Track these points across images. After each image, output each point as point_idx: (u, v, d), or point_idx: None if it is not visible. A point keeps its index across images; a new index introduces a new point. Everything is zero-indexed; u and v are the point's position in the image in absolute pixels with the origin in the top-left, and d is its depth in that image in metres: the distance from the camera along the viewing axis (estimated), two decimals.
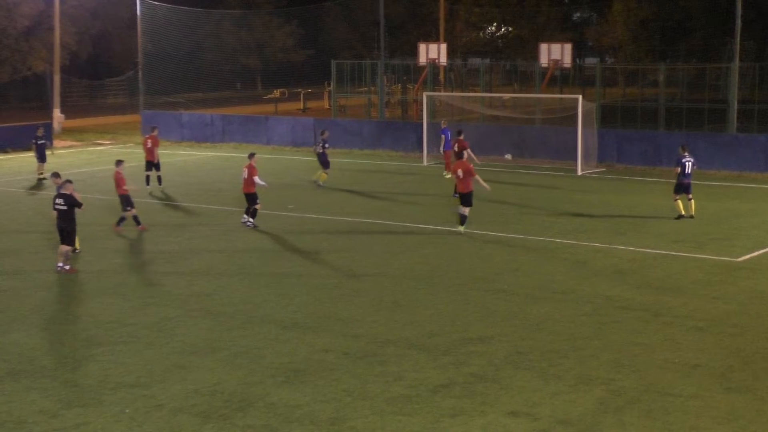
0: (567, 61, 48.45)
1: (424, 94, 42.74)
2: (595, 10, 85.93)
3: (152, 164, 33.19)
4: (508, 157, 34.87)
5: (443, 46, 50.67)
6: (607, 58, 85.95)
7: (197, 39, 72.06)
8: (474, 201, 25.07)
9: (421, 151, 40.05)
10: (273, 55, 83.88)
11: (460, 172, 24.89)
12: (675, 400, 13.60)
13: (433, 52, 49.51)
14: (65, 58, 65.54)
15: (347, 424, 12.88)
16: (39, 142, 36.53)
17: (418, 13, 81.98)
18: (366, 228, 26.29)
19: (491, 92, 58.16)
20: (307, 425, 12.88)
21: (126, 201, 25.64)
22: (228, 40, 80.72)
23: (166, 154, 39.43)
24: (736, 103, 39.93)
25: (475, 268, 21.38)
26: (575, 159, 36.67)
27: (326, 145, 33.71)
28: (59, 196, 21.35)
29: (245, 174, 26.06)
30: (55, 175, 23.41)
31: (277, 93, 69.54)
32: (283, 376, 14.66)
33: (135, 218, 25.72)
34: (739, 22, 39.44)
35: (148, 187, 32.63)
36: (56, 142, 47.15)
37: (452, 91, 55.69)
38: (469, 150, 31.91)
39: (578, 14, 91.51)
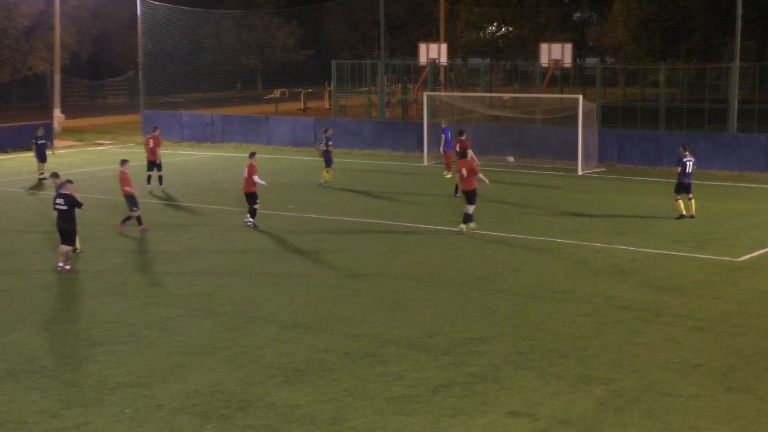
0: (567, 61, 48.47)
1: (425, 94, 42.74)
2: (595, 10, 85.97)
3: (154, 164, 33.21)
4: (511, 159, 34.91)
5: (443, 46, 50.68)
6: (607, 58, 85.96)
7: (198, 39, 72.09)
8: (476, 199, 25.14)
9: (422, 151, 40.05)
10: (273, 55, 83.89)
11: (464, 171, 24.95)
12: (675, 400, 13.60)
13: (433, 52, 49.52)
14: (66, 58, 65.58)
15: (348, 424, 12.89)
16: (39, 142, 36.53)
17: (419, 13, 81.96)
18: (366, 228, 26.29)
19: (491, 92, 58.15)
20: (307, 425, 12.88)
21: (131, 201, 25.68)
22: (228, 40, 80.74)
23: (167, 154, 39.42)
24: (736, 103, 39.92)
25: (476, 268, 21.38)
26: (576, 159, 36.67)
27: (330, 143, 33.76)
28: (59, 195, 21.37)
29: (245, 173, 26.06)
30: (54, 175, 23.46)
31: (277, 93, 69.57)
32: (283, 376, 14.66)
33: (138, 218, 25.75)
34: (739, 22, 39.44)
35: (149, 186, 32.65)
36: (56, 142, 47.15)
37: (452, 91, 55.70)
38: (470, 151, 31.91)
39: (578, 14, 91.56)
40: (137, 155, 37.86)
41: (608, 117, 47.22)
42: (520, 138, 40.95)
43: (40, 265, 22.16)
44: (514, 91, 64.17)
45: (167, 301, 19.07)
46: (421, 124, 40.86)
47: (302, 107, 67.64)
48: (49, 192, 26.41)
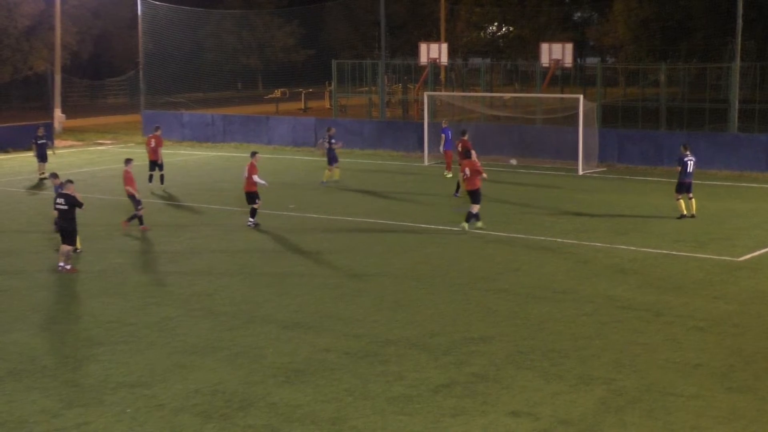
0: (568, 60, 48.46)
1: (425, 94, 42.72)
2: (596, 10, 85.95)
3: (155, 164, 33.24)
4: (514, 162, 34.47)
5: (444, 46, 50.69)
6: (608, 58, 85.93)
7: (198, 39, 72.09)
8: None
9: (422, 150, 40.04)
10: (274, 55, 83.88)
11: (467, 171, 25.00)
12: (676, 399, 13.60)
13: (434, 52, 49.53)
14: (66, 58, 65.58)
15: (348, 424, 12.88)
16: (39, 142, 36.54)
17: (419, 13, 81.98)
18: (367, 228, 26.29)
19: (492, 92, 58.15)
20: (308, 425, 12.88)
21: (134, 200, 25.71)
22: (229, 39, 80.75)
23: (167, 153, 39.38)
24: (737, 102, 39.91)
25: (477, 268, 21.38)
26: (576, 159, 36.66)
27: (333, 141, 33.80)
28: (60, 195, 21.39)
29: (246, 172, 26.07)
30: (54, 175, 23.55)
31: (278, 93, 69.59)
32: (284, 376, 14.66)
33: (139, 218, 25.77)
34: (740, 21, 39.43)
35: (150, 184, 32.66)
36: (57, 142, 47.12)
37: (453, 91, 55.68)
38: (474, 152, 31.92)
39: (579, 14, 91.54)
40: (139, 155, 37.82)
41: (609, 117, 47.20)
42: (521, 138, 40.95)
43: (41, 264, 22.17)
44: (515, 91, 64.15)
45: (168, 300, 19.07)
46: (422, 124, 40.86)
47: (303, 107, 67.64)
48: (50, 192, 26.41)
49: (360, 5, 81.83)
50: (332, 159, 33.79)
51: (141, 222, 25.81)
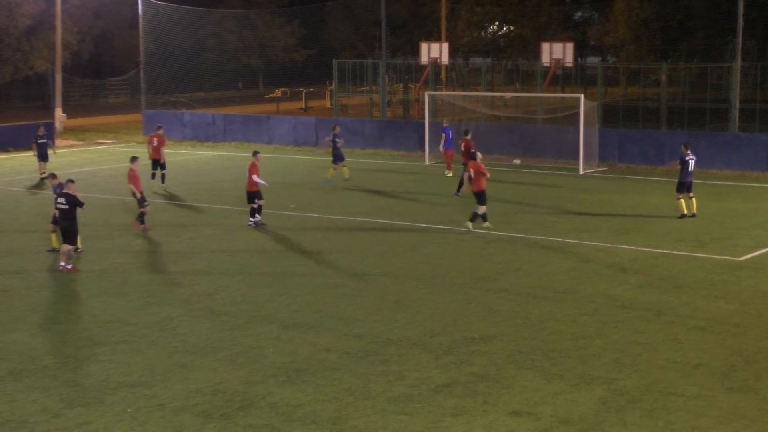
0: (569, 60, 48.45)
1: (426, 94, 42.73)
2: (596, 10, 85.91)
3: (158, 163, 33.28)
4: (517, 161, 34.83)
5: (445, 46, 50.69)
6: (608, 58, 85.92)
7: (199, 38, 72.08)
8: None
9: (423, 150, 40.04)
10: (275, 55, 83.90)
11: (472, 172, 25.09)
12: (677, 399, 13.60)
13: (434, 52, 49.54)
14: (67, 58, 65.60)
15: (349, 424, 12.88)
16: (40, 141, 36.56)
17: (420, 13, 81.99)
18: (368, 227, 26.29)
19: (493, 92, 58.16)
20: (308, 425, 12.88)
21: (139, 198, 25.73)
22: (230, 39, 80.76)
23: (168, 153, 39.37)
24: (738, 102, 39.91)
25: (477, 268, 21.37)
26: (577, 158, 36.65)
27: (337, 140, 33.84)
28: (61, 195, 21.40)
29: (247, 172, 26.07)
30: (52, 176, 23.60)
31: (278, 92, 69.59)
32: (284, 376, 14.66)
33: (141, 217, 25.77)
34: (740, 21, 39.42)
35: (152, 181, 32.69)
36: (58, 142, 47.04)
37: (454, 91, 55.69)
38: (478, 153, 31.96)
39: (580, 14, 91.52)
40: (140, 154, 37.82)
41: (609, 116, 47.19)
42: (522, 137, 40.94)
43: (41, 264, 22.17)
44: (516, 91, 64.15)
45: (168, 300, 19.07)
46: (423, 124, 40.87)
47: (303, 107, 67.65)
48: (51, 192, 26.37)
49: (361, 5, 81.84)
50: (337, 157, 33.82)
51: (142, 222, 25.80)
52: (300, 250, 23.52)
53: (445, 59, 49.92)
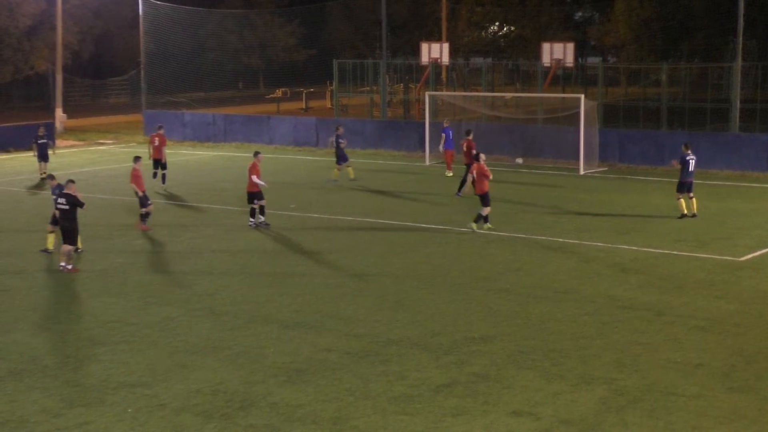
0: (569, 60, 48.38)
1: (427, 94, 42.74)
2: (597, 10, 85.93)
3: (159, 162, 33.29)
4: (520, 161, 34.86)
5: (445, 46, 50.66)
6: (609, 58, 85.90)
7: (199, 38, 72.09)
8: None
9: (424, 150, 40.03)
10: (275, 55, 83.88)
11: (475, 174, 25.16)
12: (677, 399, 13.59)
13: (435, 52, 49.51)
14: (67, 58, 65.61)
15: (349, 424, 12.88)
16: (40, 141, 36.57)
17: (420, 13, 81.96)
18: (368, 227, 26.28)
19: (493, 92, 58.14)
20: (309, 425, 12.88)
21: (142, 198, 25.74)
22: (230, 39, 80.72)
23: (169, 153, 39.37)
24: (738, 102, 39.89)
25: (478, 268, 21.37)
26: (577, 158, 36.64)
27: (341, 140, 33.86)
28: (61, 195, 21.41)
29: (248, 172, 26.07)
30: (51, 177, 23.66)
31: (279, 92, 69.58)
32: (285, 376, 14.66)
33: (142, 216, 25.78)
34: (741, 21, 39.41)
35: (153, 179, 32.69)
36: (58, 142, 47.07)
37: (454, 91, 55.67)
38: (482, 155, 31.98)
39: (580, 14, 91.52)
40: (141, 154, 37.87)
41: (610, 116, 47.18)
42: (522, 137, 40.93)
43: (42, 264, 22.18)
44: (516, 91, 64.12)
45: (169, 300, 19.07)
46: (423, 124, 40.86)
47: (304, 107, 67.63)
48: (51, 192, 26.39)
49: (361, 5, 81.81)
50: (341, 158, 33.85)
51: (143, 221, 25.80)
52: (300, 250, 23.52)
53: (445, 59, 49.90)
